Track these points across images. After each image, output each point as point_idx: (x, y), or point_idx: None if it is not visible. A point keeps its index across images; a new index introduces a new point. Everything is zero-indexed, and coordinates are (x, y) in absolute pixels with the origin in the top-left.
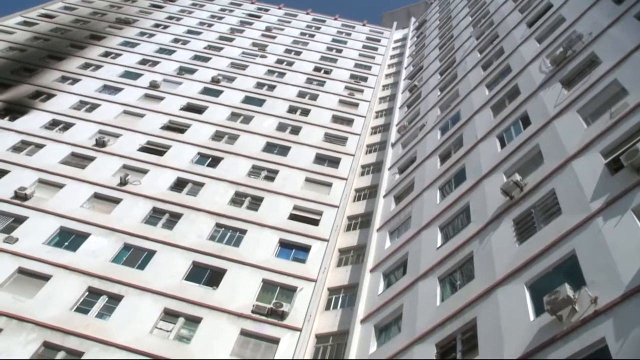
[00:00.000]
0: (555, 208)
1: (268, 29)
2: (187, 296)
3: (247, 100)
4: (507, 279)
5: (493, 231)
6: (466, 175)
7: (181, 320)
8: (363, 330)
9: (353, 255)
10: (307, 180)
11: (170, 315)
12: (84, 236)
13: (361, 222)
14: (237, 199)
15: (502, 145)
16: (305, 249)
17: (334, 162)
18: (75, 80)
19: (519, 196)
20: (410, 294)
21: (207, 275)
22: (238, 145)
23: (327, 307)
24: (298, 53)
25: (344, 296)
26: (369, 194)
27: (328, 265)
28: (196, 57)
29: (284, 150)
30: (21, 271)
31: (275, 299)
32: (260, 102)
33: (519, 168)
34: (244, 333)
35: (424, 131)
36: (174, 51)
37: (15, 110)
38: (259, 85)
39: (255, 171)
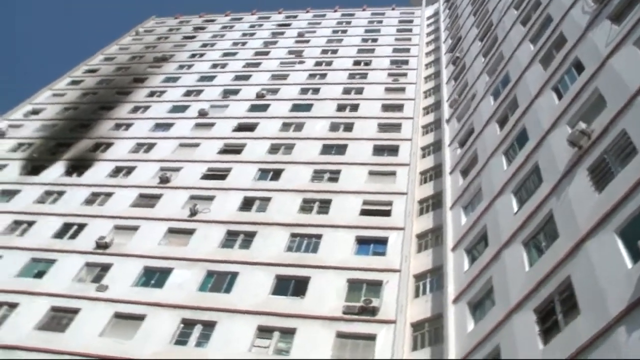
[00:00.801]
0: (630, 148)
1: (300, 35)
2: (277, 310)
3: (295, 108)
4: (594, 231)
5: (568, 185)
6: (528, 135)
7: (276, 334)
8: (457, 310)
9: (431, 238)
10: (371, 173)
11: (264, 331)
12: (167, 271)
13: (432, 203)
14: (306, 206)
15: (559, 96)
16: (383, 241)
17: (393, 150)
18: (128, 126)
19: (588, 144)
20: (497, 265)
21: (292, 286)
22: (296, 154)
23: (417, 295)
24: (335, 51)
25: (431, 280)
26: (434, 174)
27: (409, 253)
28: (237, 78)
29: (341, 149)
30: (117, 315)
31: (363, 297)
32: (308, 107)
33: (582, 116)
34: (340, 335)
35: (476, 100)
36: (215, 76)
37: (81, 165)
38: (303, 91)
39: (317, 175)
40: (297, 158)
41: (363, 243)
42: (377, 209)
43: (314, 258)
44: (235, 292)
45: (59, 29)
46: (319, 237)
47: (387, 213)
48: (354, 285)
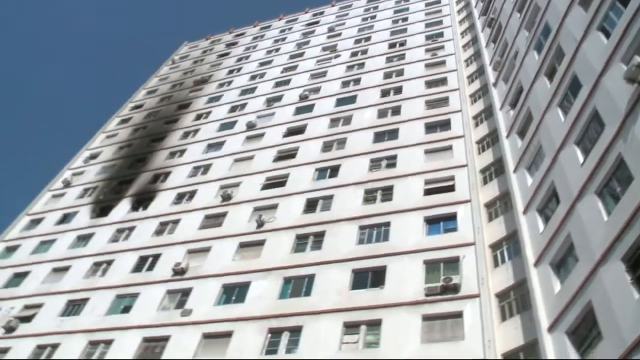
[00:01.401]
0: None
1: (331, 29)
2: (359, 304)
3: (340, 102)
4: None
5: (633, 124)
6: (581, 82)
7: (363, 328)
8: (540, 273)
9: (500, 205)
10: (427, 152)
11: (351, 327)
12: (246, 285)
13: (495, 170)
14: (369, 196)
15: (607, 35)
16: (452, 217)
17: (445, 125)
18: (182, 152)
19: None
20: (573, 220)
21: (370, 277)
22: (349, 147)
23: (496, 264)
24: (368, 39)
25: (508, 247)
26: (491, 140)
27: (480, 224)
28: (277, 84)
29: (393, 134)
30: (206, 336)
31: (443, 276)
32: (352, 99)
33: (636, 50)
34: (426, 318)
35: (520, 58)
36: (255, 87)
37: (145, 198)
38: (345, 84)
39: (375, 164)
40: (352, 151)
41: (432, 222)
42: (440, 186)
43: (386, 246)
44: (316, 294)
45: (100, 73)
46: (387, 224)
47: (450, 188)
48: (431, 266)
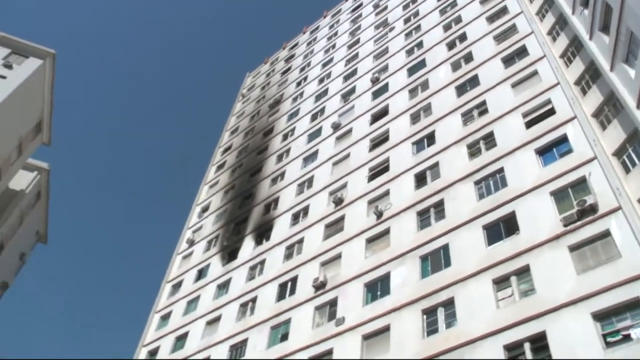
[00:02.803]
0: None
1: (376, 6)
2: (501, 257)
3: (411, 71)
4: None
5: None
6: None
7: (513, 279)
8: None
9: (609, 110)
10: (513, 85)
11: (500, 282)
12: (386, 277)
13: (590, 77)
14: (473, 150)
15: None
16: (563, 140)
17: (522, 52)
18: (282, 175)
19: None
20: None
21: (502, 228)
22: (436, 110)
23: (626, 171)
24: (414, 0)
25: (633, 149)
26: (574, 49)
27: (594, 136)
28: (346, 78)
29: (474, 81)
30: (366, 337)
31: (575, 201)
32: (421, 64)
33: None
34: (573, 249)
35: None
36: (327, 89)
37: (264, 230)
38: (409, 52)
39: (467, 117)
40: (440, 112)
41: (545, 152)
42: (539, 114)
43: (507, 192)
44: (455, 262)
45: (179, 129)
46: (500, 171)
47: (550, 112)
48: (559, 196)
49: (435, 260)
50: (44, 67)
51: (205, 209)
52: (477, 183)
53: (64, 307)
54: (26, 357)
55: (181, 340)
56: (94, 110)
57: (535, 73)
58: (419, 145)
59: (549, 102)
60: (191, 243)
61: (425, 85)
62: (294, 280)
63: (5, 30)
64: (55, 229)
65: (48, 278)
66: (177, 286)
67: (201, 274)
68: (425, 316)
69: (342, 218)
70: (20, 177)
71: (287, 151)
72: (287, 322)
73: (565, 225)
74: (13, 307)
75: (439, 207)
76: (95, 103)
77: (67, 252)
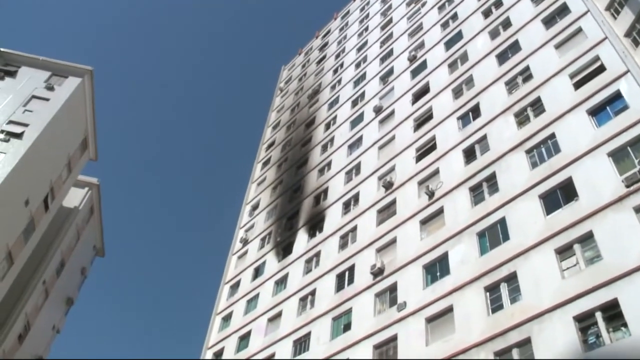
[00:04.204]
0: None
1: None
2: (561, 225)
3: (448, 43)
4: None
5: None
6: None
7: (577, 247)
8: None
9: None
10: (556, 46)
11: (564, 251)
12: (444, 258)
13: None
14: (521, 118)
15: None
16: (616, 96)
17: (563, 11)
18: (328, 165)
19: None
20: None
21: (560, 195)
22: (478, 81)
23: None
24: None
25: None
26: None
27: None
28: (382, 59)
29: (514, 47)
30: (429, 320)
31: (636, 160)
32: (458, 36)
33: None
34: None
35: None
36: (364, 72)
37: (316, 222)
38: (444, 26)
39: (511, 85)
40: (483, 83)
41: (598, 112)
42: (588, 73)
43: (562, 157)
44: (514, 235)
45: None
46: (552, 137)
47: (600, 69)
48: (618, 156)
49: (493, 235)
50: (83, 84)
51: (255, 207)
52: (528, 152)
53: (128, 317)
54: None
55: (244, 339)
56: (135, 120)
57: (579, 31)
58: (464, 119)
59: (597, 59)
60: (245, 242)
61: (464, 58)
62: (351, 269)
63: (39, 52)
64: (111, 241)
65: (109, 290)
66: (235, 286)
67: (258, 272)
68: (488, 293)
69: (393, 202)
70: (73, 194)
71: (331, 140)
72: (349, 311)
73: (627, 186)
74: (79, 322)
75: (492, 181)
76: (135, 113)
77: (125, 263)
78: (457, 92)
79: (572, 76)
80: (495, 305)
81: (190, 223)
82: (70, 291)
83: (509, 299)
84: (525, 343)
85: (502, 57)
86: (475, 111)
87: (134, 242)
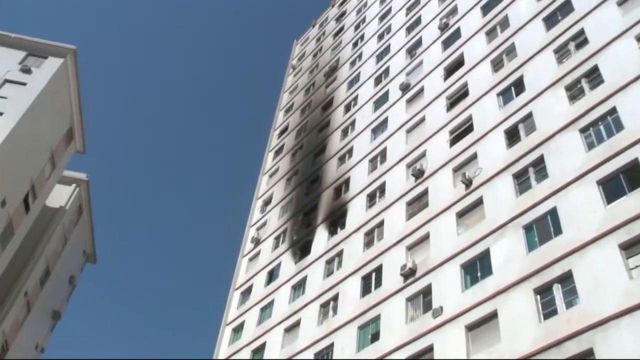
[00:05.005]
0: None
1: None
2: (627, 216)
3: (485, 9)
4: None
5: None
6: None
7: None
8: None
9: None
10: (619, 3)
11: (630, 246)
12: (485, 255)
13: None
14: (574, 92)
15: None
16: None
17: None
18: (349, 152)
19: None
20: None
21: (623, 181)
22: (522, 51)
23: None
24: None
25: None
26: None
27: None
28: (408, 29)
29: (565, 8)
30: (470, 328)
31: None
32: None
33: None
34: None
35: None
36: (388, 45)
37: (338, 215)
38: None
39: (561, 52)
40: (527, 53)
41: None
42: None
43: (625, 136)
44: (567, 227)
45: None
46: (612, 112)
47: None
48: None
49: (543, 228)
50: (66, 66)
51: (267, 202)
52: (583, 130)
53: (124, 332)
54: None
55: (259, 352)
56: (127, 107)
57: None
58: (505, 95)
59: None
60: (256, 242)
61: (505, 24)
62: (378, 270)
63: (12, 30)
64: (103, 245)
65: (101, 301)
66: (246, 293)
67: (272, 275)
68: (538, 296)
69: (425, 192)
70: (58, 192)
71: (352, 124)
72: (376, 319)
73: None
74: (68, 338)
75: (539, 165)
76: (127, 98)
77: (119, 270)
78: (497, 64)
79: (638, 38)
80: (548, 310)
81: (194, 222)
82: (57, 304)
83: (563, 303)
84: (587, 356)
85: (550, 21)
86: (519, 85)
87: (129, 245)
